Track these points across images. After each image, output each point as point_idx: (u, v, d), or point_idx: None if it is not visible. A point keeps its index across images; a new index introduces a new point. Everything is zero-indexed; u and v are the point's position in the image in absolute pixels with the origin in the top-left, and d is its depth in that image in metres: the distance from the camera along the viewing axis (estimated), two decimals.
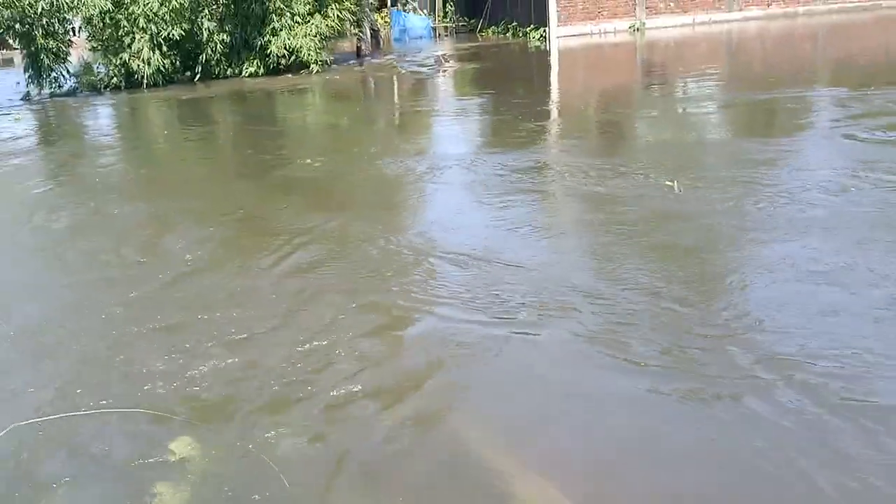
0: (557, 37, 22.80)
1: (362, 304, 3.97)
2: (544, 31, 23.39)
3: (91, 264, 5.07)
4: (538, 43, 22.88)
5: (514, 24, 27.10)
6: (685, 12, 23.59)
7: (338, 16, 18.52)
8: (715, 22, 23.35)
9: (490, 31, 30.06)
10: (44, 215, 6.55)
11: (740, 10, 23.61)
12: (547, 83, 14.98)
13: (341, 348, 3.44)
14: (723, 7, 23.65)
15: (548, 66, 17.92)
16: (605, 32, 23.36)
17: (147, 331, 3.79)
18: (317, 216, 5.75)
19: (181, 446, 2.77)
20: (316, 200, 6.46)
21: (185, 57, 17.81)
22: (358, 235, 5.13)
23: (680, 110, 9.76)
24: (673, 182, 5.75)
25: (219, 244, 5.24)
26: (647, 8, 23.55)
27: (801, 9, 23.63)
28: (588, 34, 23.25)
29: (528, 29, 24.81)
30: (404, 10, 34.76)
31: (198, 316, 3.92)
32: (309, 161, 7.94)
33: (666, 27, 23.27)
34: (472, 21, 33.57)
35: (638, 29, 23.25)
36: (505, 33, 27.70)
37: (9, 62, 42.26)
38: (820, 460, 2.47)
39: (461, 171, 6.90)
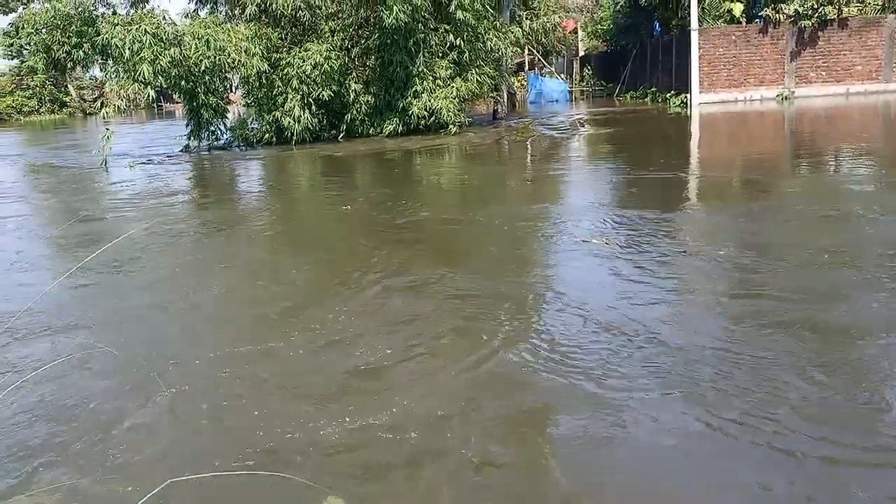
0: (699, 103, 22.32)
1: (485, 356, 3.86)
2: (685, 97, 22.98)
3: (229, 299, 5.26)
4: (678, 109, 22.47)
5: (654, 89, 26.83)
6: (838, 82, 22.55)
7: (477, 80, 19.00)
8: (871, 93, 22.17)
9: (628, 95, 29.91)
10: (184, 247, 6.93)
11: None
12: (686, 151, 14.59)
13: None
14: (880, 77, 22.45)
15: (688, 134, 17.49)
16: (751, 100, 22.67)
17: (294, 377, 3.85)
18: (435, 267, 5.76)
19: None
20: (436, 253, 6.46)
21: (332, 116, 18.77)
22: (470, 287, 5.06)
23: (831, 186, 9.20)
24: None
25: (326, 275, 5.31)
26: (797, 77, 22.71)
27: None
28: (732, 101, 22.64)
29: (668, 94, 24.47)
30: (541, 74, 35.34)
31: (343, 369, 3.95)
32: (435, 214, 8.02)
33: (817, 97, 22.30)
34: (610, 85, 33.61)
35: (786, 98, 22.41)
36: (643, 98, 27.45)
37: (171, 114, 46.31)
38: None
39: (588, 235, 6.75)
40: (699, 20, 22.69)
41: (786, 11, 22.53)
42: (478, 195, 10.48)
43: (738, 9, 23.17)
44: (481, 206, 8.85)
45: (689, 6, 22.68)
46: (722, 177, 10.44)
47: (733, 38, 22.81)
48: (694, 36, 22.41)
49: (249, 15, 17.96)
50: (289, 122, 17.66)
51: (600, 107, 27.27)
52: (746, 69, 22.82)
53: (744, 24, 23.32)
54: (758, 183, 9.73)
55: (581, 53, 41.37)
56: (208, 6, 20.16)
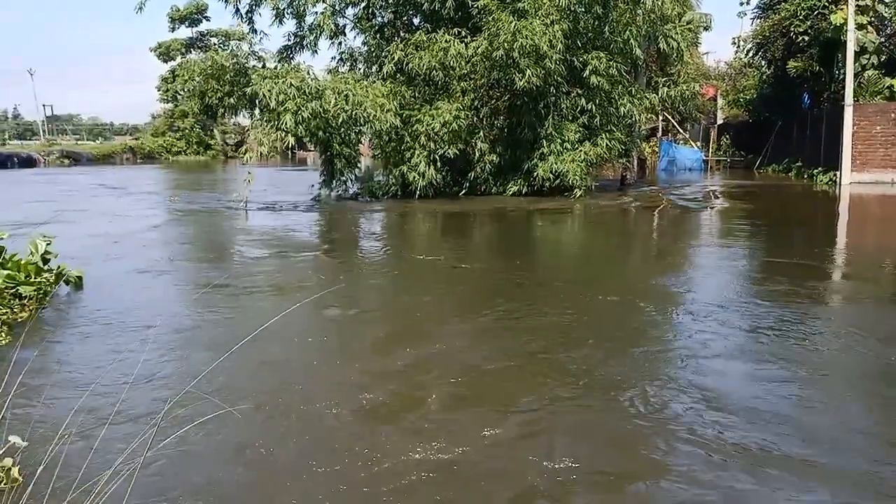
0: (849, 182, 20.76)
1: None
2: (834, 174, 21.44)
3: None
4: (826, 186, 21.00)
5: (799, 163, 25.32)
6: None
7: (607, 144, 18.49)
8: None
9: (770, 168, 28.43)
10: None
11: None
12: (833, 235, 13.40)
13: None
14: None
15: (835, 215, 16.18)
16: None
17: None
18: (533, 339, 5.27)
19: None
20: (543, 327, 5.93)
21: (456, 172, 18.77)
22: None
23: None
24: None
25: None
26: None
27: None
28: (888, 182, 20.90)
29: (816, 171, 22.95)
30: (675, 141, 34.24)
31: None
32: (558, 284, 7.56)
33: None
34: (750, 157, 32.11)
35: None
36: (787, 172, 26.00)
37: (303, 161, 48.60)
38: None
39: (716, 325, 6.09)
40: (854, 95, 21.22)
41: None
42: (593, 272, 9.90)
43: None
44: (594, 285, 8.31)
45: (843, 80, 21.30)
46: (874, 271, 9.34)
47: (893, 115, 21.18)
48: (848, 112, 20.95)
49: (386, 73, 18.40)
50: (414, 177, 17.75)
51: (738, 179, 25.97)
52: None
53: None
54: None
55: (720, 121, 39.84)
56: (349, 64, 20.87)
